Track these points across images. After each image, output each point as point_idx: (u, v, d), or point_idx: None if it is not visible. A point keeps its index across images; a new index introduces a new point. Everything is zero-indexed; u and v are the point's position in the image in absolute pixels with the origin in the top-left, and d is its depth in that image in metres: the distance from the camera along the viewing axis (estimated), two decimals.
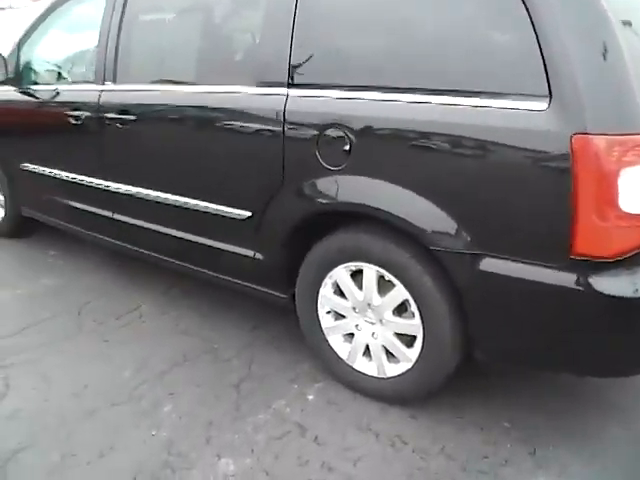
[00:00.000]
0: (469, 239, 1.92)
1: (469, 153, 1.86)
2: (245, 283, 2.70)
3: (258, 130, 2.34)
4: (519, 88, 1.77)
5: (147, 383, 2.60)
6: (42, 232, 4.25)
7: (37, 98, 3.38)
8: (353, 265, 2.28)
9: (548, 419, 2.30)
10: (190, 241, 2.82)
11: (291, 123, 2.23)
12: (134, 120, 2.77)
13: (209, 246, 2.74)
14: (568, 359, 1.96)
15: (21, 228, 4.19)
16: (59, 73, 3.35)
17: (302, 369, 2.66)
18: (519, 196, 1.81)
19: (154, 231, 2.95)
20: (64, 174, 3.35)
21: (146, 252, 3.11)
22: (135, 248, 3.17)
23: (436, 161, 1.93)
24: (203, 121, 2.56)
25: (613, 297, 1.75)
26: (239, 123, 2.40)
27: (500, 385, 2.51)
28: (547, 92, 1.71)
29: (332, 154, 2.14)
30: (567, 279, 1.78)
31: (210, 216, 2.63)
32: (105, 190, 3.10)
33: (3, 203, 4.10)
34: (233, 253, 2.64)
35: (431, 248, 2.00)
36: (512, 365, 2.42)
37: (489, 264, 1.91)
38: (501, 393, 2.45)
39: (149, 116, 2.74)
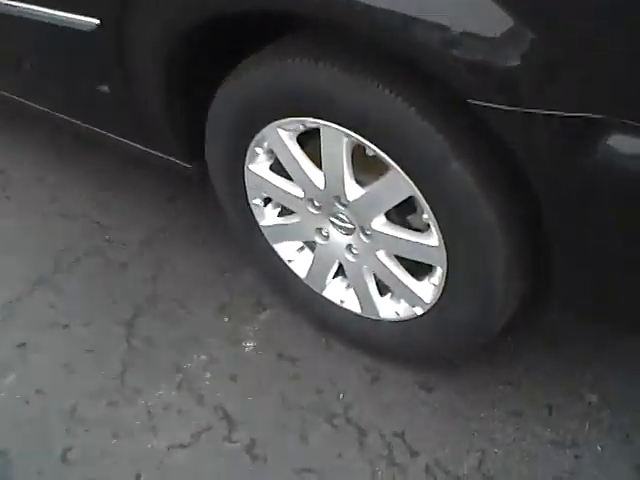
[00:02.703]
0: (570, 86, 0.71)
1: None
2: (125, 139, 1.51)
3: None
4: None
5: None
6: None
7: None
8: (299, 122, 1.08)
9: None
10: (34, 66, 1.59)
11: None
12: None
13: (58, 75, 1.52)
14: None
15: None
16: None
17: (242, 283, 1.58)
18: None
19: None
20: None
21: None
22: None
23: None
24: None
25: None
26: None
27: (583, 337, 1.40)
28: None
29: None
30: None
31: (49, 27, 1.35)
32: None
33: None
34: (93, 89, 1.42)
35: (474, 102, 0.79)
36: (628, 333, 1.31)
37: (616, 146, 0.72)
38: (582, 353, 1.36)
39: None
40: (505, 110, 0.77)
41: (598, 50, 0.70)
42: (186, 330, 1.48)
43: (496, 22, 0.74)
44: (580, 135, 0.76)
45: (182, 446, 1.25)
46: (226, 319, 1.49)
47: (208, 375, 1.38)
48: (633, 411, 1.22)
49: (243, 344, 1.43)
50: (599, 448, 1.17)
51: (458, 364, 1.32)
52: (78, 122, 1.59)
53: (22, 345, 1.50)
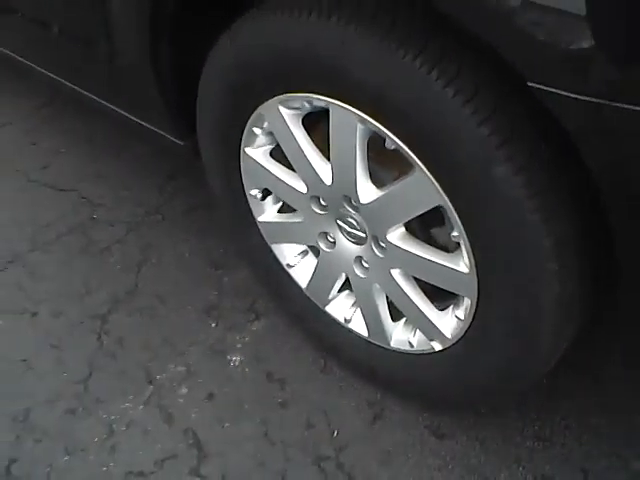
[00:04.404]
0: None
1: None
2: (110, 105, 1.31)
3: None
4: None
5: None
6: None
7: None
8: (304, 99, 0.85)
9: None
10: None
11: None
12: None
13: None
14: None
15: None
16: None
17: (236, 282, 1.37)
18: None
19: None
20: None
21: None
22: None
23: None
24: None
25: None
26: None
27: None
28: None
29: None
30: None
31: None
32: None
33: None
34: (75, 40, 1.22)
35: (539, 87, 0.56)
36: None
37: None
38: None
39: None
40: (578, 99, 0.53)
41: None
42: (165, 333, 1.27)
43: None
44: None
45: (141, 474, 1.06)
46: (213, 324, 1.28)
47: (183, 390, 1.17)
48: None
49: (228, 357, 1.22)
50: None
51: (478, 408, 1.09)
52: (61, 81, 1.38)
53: None
